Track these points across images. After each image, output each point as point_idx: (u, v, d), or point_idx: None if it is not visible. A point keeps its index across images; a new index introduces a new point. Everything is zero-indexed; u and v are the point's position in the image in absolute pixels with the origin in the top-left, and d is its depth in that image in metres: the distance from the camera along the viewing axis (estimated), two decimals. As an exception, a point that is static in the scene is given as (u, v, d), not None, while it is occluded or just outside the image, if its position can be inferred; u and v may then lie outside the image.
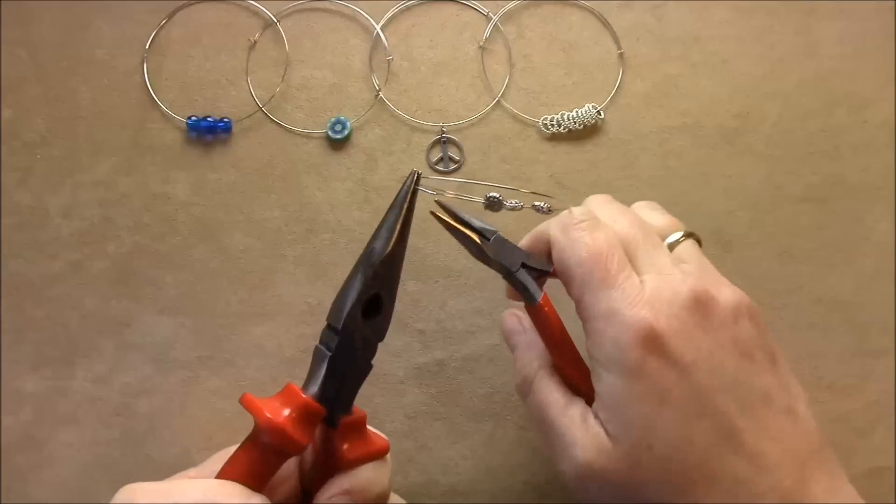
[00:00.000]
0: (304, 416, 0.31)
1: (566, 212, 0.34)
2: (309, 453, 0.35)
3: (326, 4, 0.46)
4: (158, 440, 0.43)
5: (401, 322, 0.44)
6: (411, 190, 0.34)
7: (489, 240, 0.35)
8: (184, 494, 0.29)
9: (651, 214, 0.36)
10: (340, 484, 0.32)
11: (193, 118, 0.45)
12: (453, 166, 0.45)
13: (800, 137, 0.46)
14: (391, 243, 0.33)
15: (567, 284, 0.33)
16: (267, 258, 0.44)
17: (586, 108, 0.45)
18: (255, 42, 0.46)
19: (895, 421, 0.44)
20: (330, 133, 0.45)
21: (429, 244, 0.44)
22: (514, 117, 0.45)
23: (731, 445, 0.30)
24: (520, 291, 0.34)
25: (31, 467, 0.43)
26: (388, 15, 0.46)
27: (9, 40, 0.45)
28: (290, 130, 0.45)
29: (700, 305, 0.31)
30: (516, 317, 0.37)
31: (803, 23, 0.46)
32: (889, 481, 0.43)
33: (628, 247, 0.33)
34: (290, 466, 0.35)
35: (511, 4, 0.46)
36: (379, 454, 0.33)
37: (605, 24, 0.46)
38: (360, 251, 0.44)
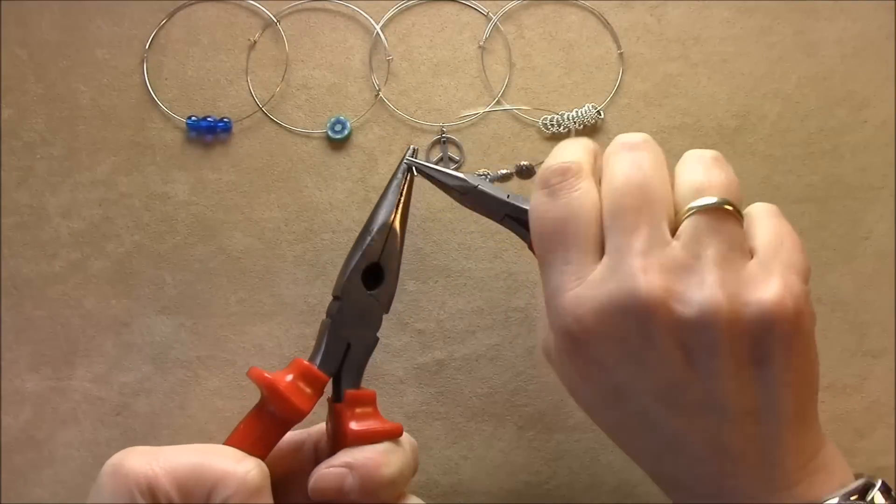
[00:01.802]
0: (306, 382, 0.31)
1: (546, 164, 0.31)
2: (323, 435, 0.35)
3: (326, 4, 0.46)
4: (158, 440, 0.43)
5: (401, 322, 0.44)
6: (408, 164, 0.35)
7: (476, 187, 0.34)
8: (175, 456, 0.29)
9: (690, 169, 0.30)
10: (343, 457, 0.31)
11: (193, 118, 0.45)
12: (453, 166, 0.45)
13: (799, 137, 0.46)
14: (391, 214, 0.34)
15: None
16: (267, 258, 0.44)
17: (586, 108, 0.45)
18: (255, 42, 0.46)
19: (895, 421, 0.44)
20: (330, 133, 0.45)
21: (429, 244, 0.44)
22: (514, 117, 0.45)
23: (645, 427, 0.30)
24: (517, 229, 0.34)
25: (31, 467, 0.43)
26: (388, 15, 0.46)
27: (9, 40, 0.45)
28: (289, 130, 0.45)
29: (641, 309, 0.27)
30: None
31: (803, 23, 0.46)
32: (889, 481, 0.43)
33: (610, 214, 0.29)
34: (308, 450, 0.35)
35: (511, 4, 0.46)
36: (388, 434, 0.32)
37: (605, 23, 0.46)
38: (360, 251, 0.44)
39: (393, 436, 0.32)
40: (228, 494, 0.28)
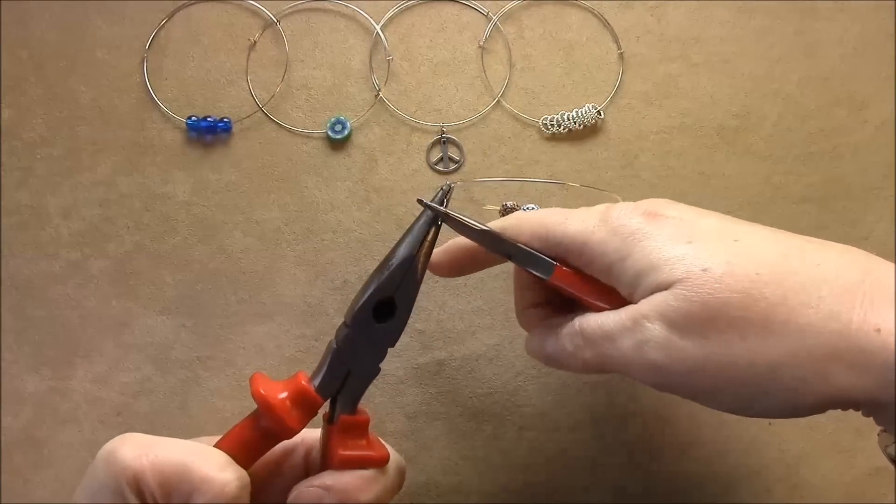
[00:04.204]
0: (300, 402, 0.32)
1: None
2: (316, 443, 0.35)
3: (326, 4, 0.46)
4: (158, 440, 0.43)
5: (401, 322, 0.44)
6: (444, 200, 0.34)
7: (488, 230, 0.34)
8: (166, 451, 0.29)
9: None
10: (323, 478, 0.32)
11: (193, 118, 0.45)
12: (453, 166, 0.45)
13: (800, 137, 0.46)
14: (413, 249, 0.33)
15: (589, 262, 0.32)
16: (267, 258, 0.44)
17: (586, 108, 0.45)
18: (255, 42, 0.46)
19: (895, 420, 0.44)
20: (330, 133, 0.45)
21: (429, 244, 0.44)
22: (514, 117, 0.45)
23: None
24: (536, 268, 0.33)
25: (31, 467, 0.43)
26: (388, 15, 0.46)
27: (9, 40, 0.45)
28: (290, 130, 0.45)
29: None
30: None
31: (803, 23, 0.46)
32: (889, 481, 0.43)
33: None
34: (298, 456, 0.35)
35: (511, 4, 0.46)
36: (372, 462, 0.33)
37: (605, 24, 0.46)
38: (360, 251, 0.44)
39: (378, 464, 0.33)
40: (205, 501, 0.29)
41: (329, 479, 0.32)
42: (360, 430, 0.33)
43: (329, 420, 0.33)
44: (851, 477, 0.44)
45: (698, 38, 0.46)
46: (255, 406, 0.32)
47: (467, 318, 0.44)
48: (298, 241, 0.44)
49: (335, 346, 0.33)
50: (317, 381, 0.33)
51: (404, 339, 0.43)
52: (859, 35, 0.46)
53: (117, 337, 0.44)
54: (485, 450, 0.44)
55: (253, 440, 0.32)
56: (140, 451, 0.29)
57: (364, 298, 0.33)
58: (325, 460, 0.34)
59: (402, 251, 0.33)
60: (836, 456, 0.43)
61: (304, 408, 0.32)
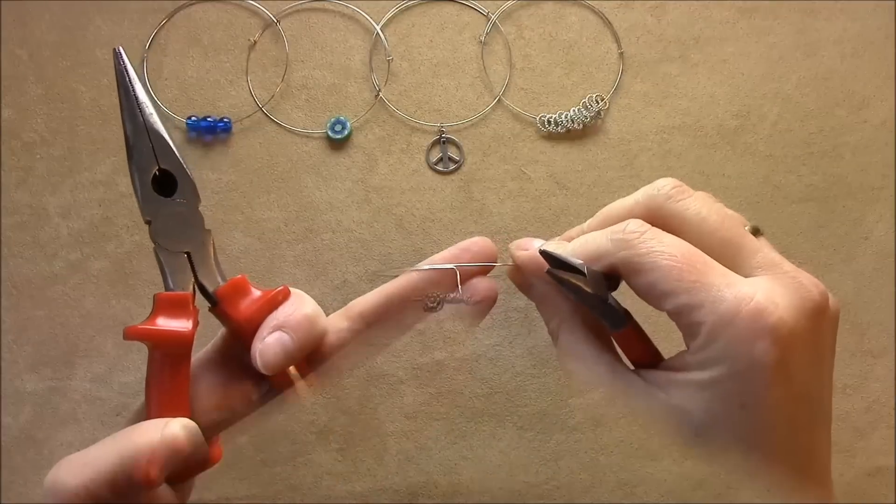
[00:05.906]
0: (171, 308, 0.31)
1: (619, 227, 0.30)
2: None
3: (326, 4, 0.46)
4: (158, 440, 0.43)
5: (401, 322, 0.44)
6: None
7: (586, 275, 0.30)
8: (103, 455, 0.28)
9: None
10: (267, 327, 0.31)
11: (193, 118, 0.45)
12: (453, 166, 0.45)
13: (800, 137, 0.46)
14: (139, 117, 0.33)
15: (659, 300, 0.29)
16: (267, 258, 0.44)
17: (587, 100, 0.45)
18: (255, 42, 0.46)
19: (895, 421, 0.44)
20: (330, 133, 0.45)
21: (428, 244, 0.44)
22: (514, 117, 0.46)
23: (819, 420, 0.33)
24: (605, 318, 0.31)
25: (31, 467, 0.43)
26: (388, 15, 0.46)
27: (9, 40, 0.45)
28: (289, 130, 0.45)
29: (821, 308, 0.29)
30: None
31: (803, 23, 0.47)
32: (889, 481, 0.43)
33: (725, 241, 0.31)
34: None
35: (511, 4, 0.46)
36: (281, 294, 0.32)
37: (606, 23, 0.46)
38: (360, 251, 0.44)
39: (285, 293, 0.32)
40: (165, 458, 0.28)
41: (271, 322, 0.31)
42: (243, 288, 0.32)
43: (214, 304, 0.32)
44: (851, 477, 0.44)
45: (698, 38, 0.46)
46: (147, 365, 0.31)
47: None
48: (298, 241, 0.44)
49: (157, 245, 0.32)
50: (169, 284, 0.32)
51: (404, 338, 0.44)
52: (859, 35, 0.46)
53: (117, 337, 0.44)
54: (485, 450, 0.44)
55: (169, 383, 0.31)
56: (79, 469, 0.28)
57: (140, 186, 0.32)
58: (248, 331, 0.32)
59: (133, 122, 0.33)
60: (836, 456, 0.43)
61: (180, 310, 0.31)
